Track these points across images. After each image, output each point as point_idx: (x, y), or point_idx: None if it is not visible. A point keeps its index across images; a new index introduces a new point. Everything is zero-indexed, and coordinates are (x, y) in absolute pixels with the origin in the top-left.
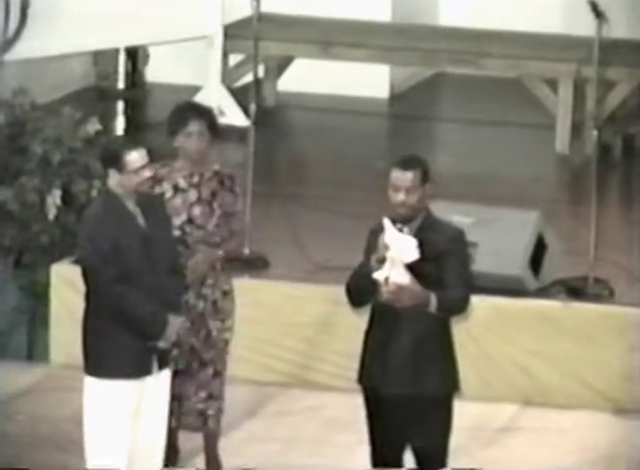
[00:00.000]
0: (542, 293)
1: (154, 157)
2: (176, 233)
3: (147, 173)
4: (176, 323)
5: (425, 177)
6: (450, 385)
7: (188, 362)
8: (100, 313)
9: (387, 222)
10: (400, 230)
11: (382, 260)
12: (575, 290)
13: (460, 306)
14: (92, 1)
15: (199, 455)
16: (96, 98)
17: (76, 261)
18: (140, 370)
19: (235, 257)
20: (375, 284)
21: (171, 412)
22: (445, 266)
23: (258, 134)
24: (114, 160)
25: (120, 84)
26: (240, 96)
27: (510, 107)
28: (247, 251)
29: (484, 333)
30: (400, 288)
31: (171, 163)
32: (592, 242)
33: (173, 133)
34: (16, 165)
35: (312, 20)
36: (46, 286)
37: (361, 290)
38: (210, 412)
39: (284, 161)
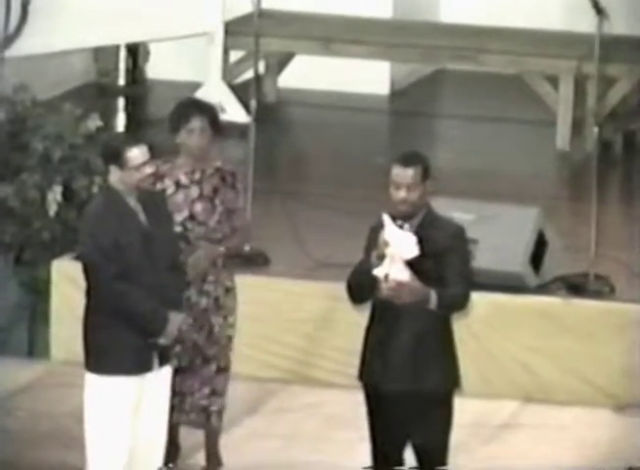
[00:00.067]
0: (543, 289)
1: (154, 153)
2: (178, 229)
3: (148, 170)
4: (177, 320)
5: (425, 174)
6: (451, 381)
7: (191, 359)
8: (100, 310)
9: (386, 219)
10: (401, 227)
11: (382, 257)
12: (576, 286)
13: (460, 303)
14: None
15: (199, 452)
16: (96, 94)
17: (77, 258)
18: (140, 367)
19: (235, 253)
20: (375, 281)
21: (172, 408)
22: (446, 263)
23: (259, 131)
24: (115, 156)
25: (121, 81)
26: (240, 92)
27: (510, 103)
28: (247, 247)
29: (485, 329)
30: (400, 284)
31: (173, 159)
32: (593, 238)
33: (175, 130)
34: (16, 162)
35: (313, 16)
36: (47, 282)
37: (361, 287)
38: (213, 409)
39: (284, 157)
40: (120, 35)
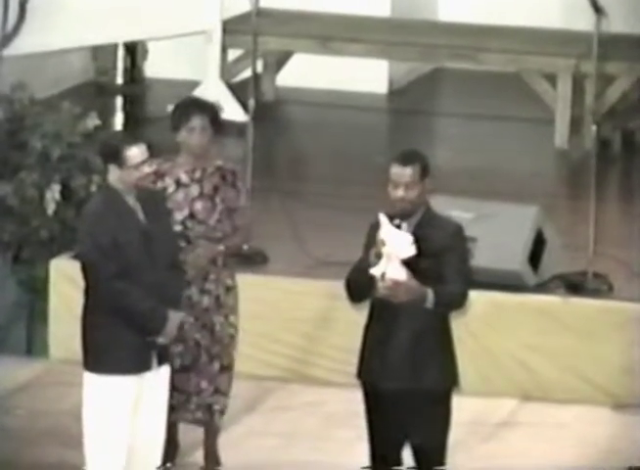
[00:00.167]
0: (541, 288)
1: (153, 152)
2: (178, 228)
3: (147, 169)
4: (176, 319)
5: (424, 172)
6: (449, 380)
7: (195, 358)
8: (99, 309)
9: (382, 218)
10: (399, 226)
11: (379, 256)
12: (575, 285)
13: (458, 302)
14: None
15: (198, 450)
16: (95, 93)
17: (76, 257)
18: (139, 366)
19: (235, 252)
20: (373, 279)
21: (176, 407)
22: (444, 262)
23: (257, 129)
24: (114, 155)
25: (119, 79)
26: (239, 91)
27: (509, 102)
28: (246, 246)
29: (483, 328)
30: (396, 283)
31: (174, 157)
32: (591, 237)
33: (176, 128)
34: (15, 160)
35: (311, 15)
36: (45, 281)
37: (360, 285)
38: (217, 407)
39: (283, 156)
40: (119, 34)
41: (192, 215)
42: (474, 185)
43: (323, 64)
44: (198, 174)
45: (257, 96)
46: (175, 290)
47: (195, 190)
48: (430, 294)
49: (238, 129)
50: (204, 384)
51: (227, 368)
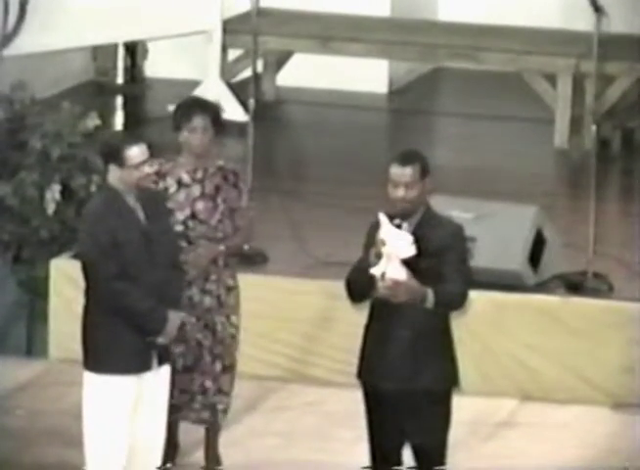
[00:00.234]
0: (541, 287)
1: (154, 152)
2: (179, 228)
3: (147, 168)
4: (176, 319)
5: (424, 172)
6: (449, 380)
7: (197, 358)
8: (99, 309)
9: (382, 218)
10: (399, 226)
11: (379, 256)
12: (574, 284)
13: (458, 302)
14: None
15: (198, 450)
16: (95, 93)
17: (76, 256)
18: (139, 366)
19: (236, 252)
20: (373, 279)
21: (176, 407)
22: (444, 262)
23: (257, 129)
24: (114, 155)
25: (119, 79)
26: (239, 91)
27: (509, 101)
28: (246, 246)
29: (483, 328)
30: (396, 283)
31: (175, 157)
32: (591, 236)
33: (178, 128)
34: (15, 160)
35: (311, 14)
36: (45, 281)
37: (360, 285)
38: (220, 407)
39: (283, 156)
40: (119, 34)
41: (193, 215)
42: (474, 185)
43: (323, 63)
44: (199, 174)
45: (258, 96)
46: (175, 290)
47: (196, 190)
48: (430, 294)
49: (238, 129)
50: (208, 383)
51: (229, 368)
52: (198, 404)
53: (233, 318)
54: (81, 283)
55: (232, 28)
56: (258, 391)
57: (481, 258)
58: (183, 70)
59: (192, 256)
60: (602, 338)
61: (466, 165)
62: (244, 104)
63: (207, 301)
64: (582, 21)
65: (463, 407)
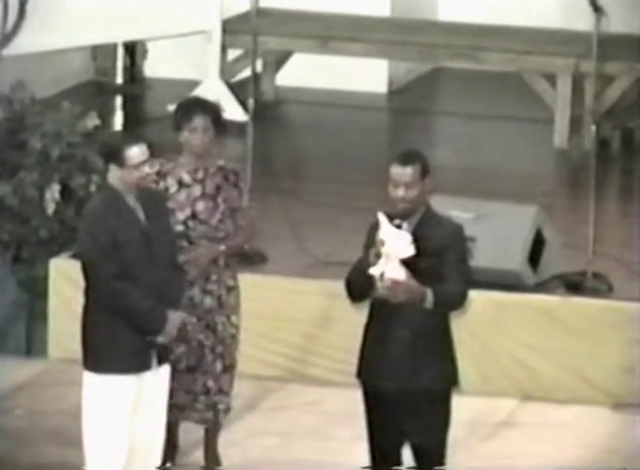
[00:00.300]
0: (541, 287)
1: (154, 152)
2: (180, 228)
3: (147, 168)
4: (176, 319)
5: (424, 172)
6: (449, 380)
7: (199, 358)
8: (99, 308)
9: (382, 218)
10: (399, 226)
11: (379, 256)
12: (574, 284)
13: (457, 302)
14: None
15: (198, 450)
16: (95, 93)
17: (76, 256)
18: (139, 366)
19: (236, 252)
20: (372, 279)
21: (178, 407)
22: (444, 262)
23: (257, 129)
24: (114, 155)
25: (119, 79)
26: (238, 91)
27: (509, 101)
28: (246, 246)
29: (483, 328)
30: (395, 283)
31: (176, 157)
32: (591, 236)
33: (178, 128)
34: (15, 160)
35: (311, 14)
36: (45, 280)
37: (359, 285)
38: (221, 406)
39: (283, 155)
40: (118, 34)
41: (194, 215)
42: (473, 184)
43: (323, 63)
44: (200, 174)
45: (257, 96)
46: (175, 290)
47: (197, 190)
48: (429, 294)
49: (238, 129)
50: (210, 383)
51: (229, 368)
52: (201, 405)
53: (233, 318)
54: (81, 283)
55: (231, 28)
56: (258, 390)
57: (481, 257)
58: (183, 69)
59: (193, 255)
60: (602, 338)
61: (466, 165)
62: (243, 104)
63: (208, 301)
64: (582, 21)
65: (463, 407)
